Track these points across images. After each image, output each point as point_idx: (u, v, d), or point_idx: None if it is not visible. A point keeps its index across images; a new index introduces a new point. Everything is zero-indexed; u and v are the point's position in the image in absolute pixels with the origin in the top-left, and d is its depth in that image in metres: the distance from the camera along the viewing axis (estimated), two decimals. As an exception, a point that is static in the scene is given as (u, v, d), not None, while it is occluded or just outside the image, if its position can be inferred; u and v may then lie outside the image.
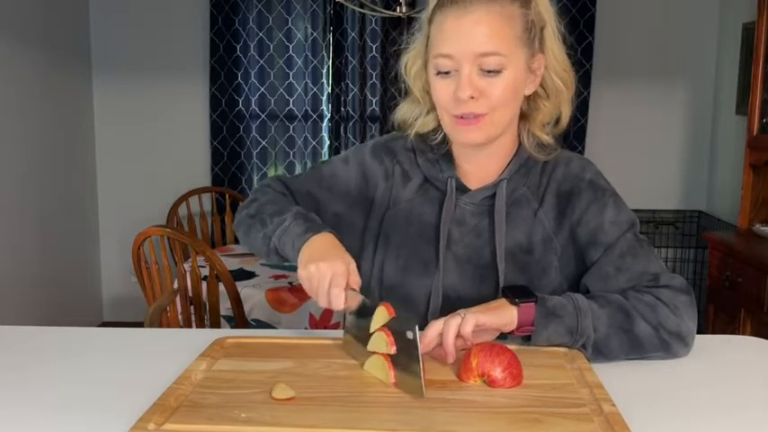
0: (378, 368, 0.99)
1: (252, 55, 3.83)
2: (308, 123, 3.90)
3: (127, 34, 3.90)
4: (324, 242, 1.13)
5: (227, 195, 3.76)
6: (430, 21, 1.14)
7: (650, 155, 3.90)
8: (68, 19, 3.74)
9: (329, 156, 3.89)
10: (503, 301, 1.08)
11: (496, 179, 1.21)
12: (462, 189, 1.22)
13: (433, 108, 1.21)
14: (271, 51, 3.83)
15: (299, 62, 3.85)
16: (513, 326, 1.07)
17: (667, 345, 1.10)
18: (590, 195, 1.20)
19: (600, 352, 1.08)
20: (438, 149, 1.24)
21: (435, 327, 1.03)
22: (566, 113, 1.20)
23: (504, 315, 1.06)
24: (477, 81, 1.09)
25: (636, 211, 4.15)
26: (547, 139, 1.21)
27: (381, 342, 0.99)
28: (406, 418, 0.86)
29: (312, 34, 3.83)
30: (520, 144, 1.22)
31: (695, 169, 3.91)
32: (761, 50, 2.90)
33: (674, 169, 3.92)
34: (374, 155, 1.29)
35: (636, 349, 1.09)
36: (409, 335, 0.95)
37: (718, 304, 2.89)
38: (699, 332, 1.15)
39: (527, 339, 1.09)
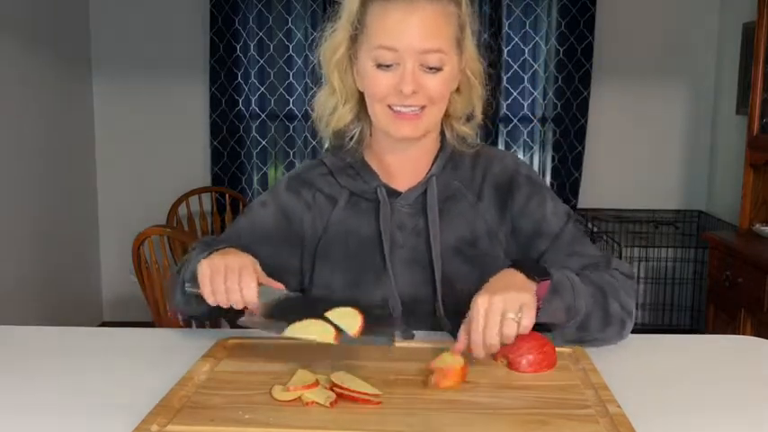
0: (315, 327, 0.95)
1: (252, 55, 3.83)
2: (308, 123, 3.89)
3: (127, 34, 3.89)
4: (225, 251, 1.07)
5: (227, 195, 3.76)
6: (363, 6, 1.13)
7: (650, 155, 3.90)
8: (68, 19, 3.74)
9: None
10: (520, 276, 1.03)
11: (426, 176, 1.23)
12: (394, 194, 1.22)
13: (348, 99, 1.20)
14: (271, 51, 3.82)
15: (299, 62, 3.84)
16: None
17: (624, 324, 1.14)
18: (528, 189, 1.24)
19: (581, 329, 1.09)
20: (353, 154, 1.23)
21: (476, 332, 0.97)
22: (478, 110, 1.23)
23: (530, 292, 1.00)
24: (417, 76, 1.11)
25: (636, 211, 4.17)
26: (467, 131, 1.24)
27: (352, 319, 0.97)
28: (411, 420, 0.85)
29: (312, 34, 3.82)
30: (443, 140, 1.25)
31: (695, 169, 3.91)
32: (761, 50, 2.90)
33: (674, 169, 3.92)
34: (290, 190, 1.27)
35: (605, 327, 1.12)
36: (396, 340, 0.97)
37: (718, 304, 2.89)
38: (699, 332, 1.17)
39: None
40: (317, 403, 0.89)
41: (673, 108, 3.87)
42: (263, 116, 3.89)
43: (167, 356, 1.11)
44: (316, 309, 0.98)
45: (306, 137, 3.92)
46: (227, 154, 3.88)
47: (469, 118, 1.24)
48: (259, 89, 3.86)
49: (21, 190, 3.29)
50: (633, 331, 1.22)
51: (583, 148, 3.79)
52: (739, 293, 2.68)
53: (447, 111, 1.21)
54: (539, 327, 1.07)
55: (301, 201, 1.26)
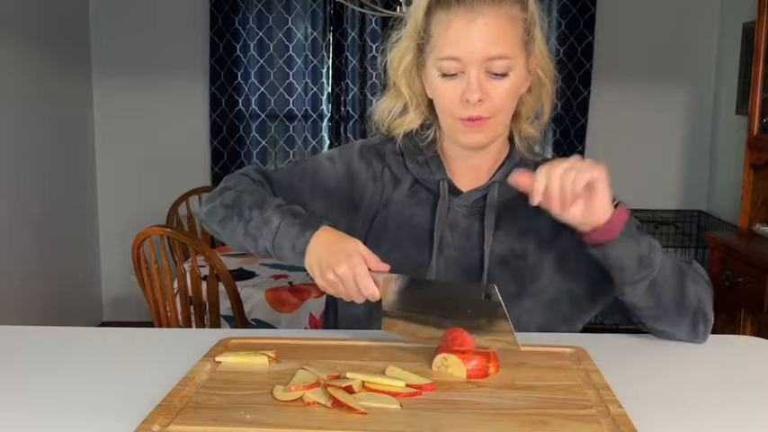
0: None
1: (252, 55, 3.83)
2: (308, 123, 3.90)
3: (127, 34, 3.89)
4: (325, 239, 1.10)
5: (226, 195, 3.75)
6: (427, 16, 1.12)
7: (650, 155, 3.90)
8: (68, 19, 3.74)
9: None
10: None
11: (489, 181, 1.21)
12: (455, 191, 1.21)
13: (418, 105, 1.20)
14: (271, 51, 3.83)
15: (299, 62, 3.84)
16: (605, 219, 1.03)
17: (697, 322, 1.14)
18: None
19: (653, 292, 1.09)
20: (428, 150, 1.22)
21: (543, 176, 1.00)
22: (547, 108, 1.21)
23: (607, 198, 1.02)
24: (484, 84, 1.09)
25: (636, 210, 4.16)
26: (533, 133, 1.22)
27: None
28: (413, 420, 0.85)
29: (312, 34, 3.83)
30: (512, 146, 1.23)
31: (695, 169, 3.91)
32: (761, 50, 2.90)
33: (674, 169, 3.93)
34: (362, 156, 1.26)
35: (678, 306, 1.11)
36: (493, 297, 0.96)
37: (718, 304, 2.85)
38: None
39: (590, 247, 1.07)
40: (318, 403, 0.89)
41: (673, 108, 3.87)
42: (263, 116, 3.89)
43: (167, 356, 1.10)
44: (443, 303, 1.02)
45: (306, 137, 3.92)
46: (227, 154, 3.88)
47: (537, 115, 1.22)
48: (259, 89, 3.86)
49: (21, 190, 3.29)
50: (634, 331, 1.21)
51: (583, 148, 3.79)
52: (739, 293, 2.68)
53: (517, 110, 1.19)
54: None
55: (370, 170, 1.25)
